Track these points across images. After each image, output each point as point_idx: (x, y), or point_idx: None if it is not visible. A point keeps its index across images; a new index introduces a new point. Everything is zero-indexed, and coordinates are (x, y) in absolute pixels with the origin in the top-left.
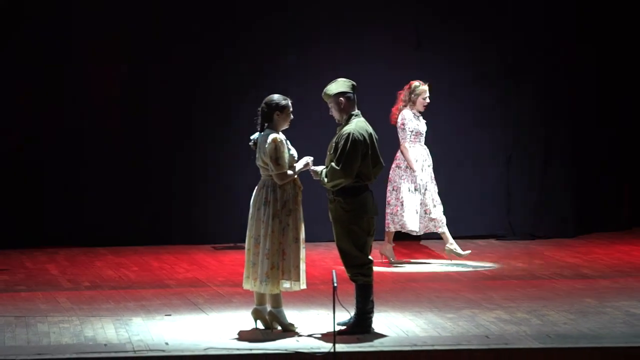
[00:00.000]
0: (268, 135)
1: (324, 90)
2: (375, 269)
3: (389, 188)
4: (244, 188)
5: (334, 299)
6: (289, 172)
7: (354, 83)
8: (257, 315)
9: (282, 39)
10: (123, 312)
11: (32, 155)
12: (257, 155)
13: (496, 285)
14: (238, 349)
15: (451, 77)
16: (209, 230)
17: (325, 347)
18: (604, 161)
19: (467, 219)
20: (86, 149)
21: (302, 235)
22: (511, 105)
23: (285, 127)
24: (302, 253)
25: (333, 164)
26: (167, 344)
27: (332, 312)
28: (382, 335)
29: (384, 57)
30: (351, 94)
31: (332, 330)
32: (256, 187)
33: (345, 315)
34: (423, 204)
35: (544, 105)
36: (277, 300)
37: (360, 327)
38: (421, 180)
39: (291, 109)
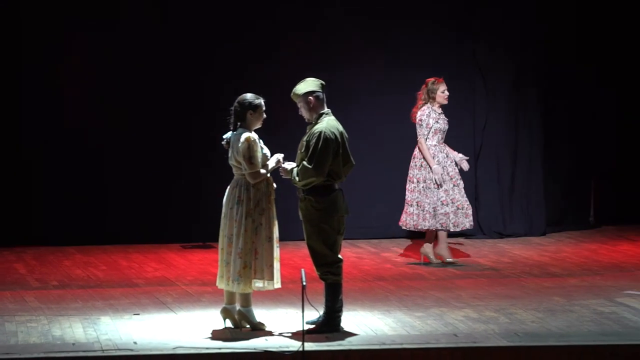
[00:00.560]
0: (241, 134)
1: (293, 90)
2: (346, 267)
3: (417, 187)
4: (213, 187)
5: (302, 298)
6: (262, 170)
7: (323, 82)
8: (226, 314)
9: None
10: (91, 311)
11: None
12: (230, 155)
13: (465, 284)
14: (207, 348)
15: (418, 73)
16: (178, 229)
17: (294, 346)
18: (572, 161)
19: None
20: (54, 148)
21: (276, 234)
22: (480, 104)
23: (258, 126)
24: (276, 252)
25: (305, 162)
26: (135, 343)
27: (301, 311)
28: (351, 334)
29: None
30: (320, 93)
31: (301, 329)
32: (229, 186)
33: (314, 314)
34: (455, 199)
35: (513, 105)
36: (246, 300)
37: (329, 325)
38: (446, 175)
39: (264, 108)
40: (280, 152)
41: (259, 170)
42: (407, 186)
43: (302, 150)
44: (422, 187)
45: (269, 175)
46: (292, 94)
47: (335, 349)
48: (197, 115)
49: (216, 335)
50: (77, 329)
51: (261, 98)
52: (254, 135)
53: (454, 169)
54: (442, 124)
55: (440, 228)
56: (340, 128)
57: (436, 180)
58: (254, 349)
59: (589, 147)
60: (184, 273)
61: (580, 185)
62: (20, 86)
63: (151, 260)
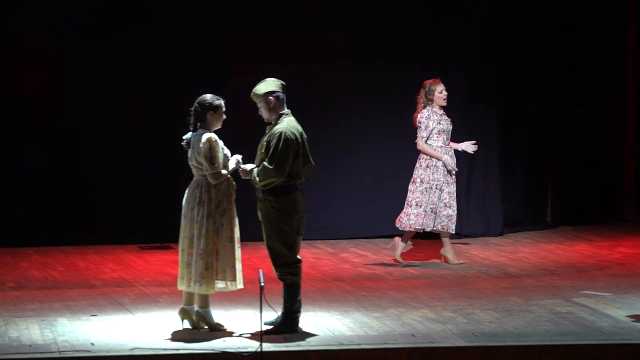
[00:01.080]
0: (202, 134)
1: (253, 90)
2: (305, 268)
3: (420, 188)
4: (171, 187)
5: (260, 299)
6: (224, 171)
7: (283, 82)
8: (184, 315)
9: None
10: (48, 312)
11: None
12: (190, 155)
13: (422, 284)
14: (164, 349)
15: (383, 75)
16: (135, 230)
17: (252, 346)
18: (529, 161)
19: (393, 217)
20: (9, 148)
21: (237, 234)
22: None
23: (218, 127)
24: (238, 252)
25: (265, 163)
26: (92, 344)
27: (259, 311)
28: (309, 335)
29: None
30: (280, 93)
31: (259, 329)
32: (189, 187)
33: (272, 314)
34: (455, 202)
35: (469, 105)
36: (204, 300)
37: (287, 326)
38: (448, 177)
39: (224, 109)
40: (240, 153)
41: (220, 171)
42: (409, 186)
43: (262, 151)
44: (425, 187)
45: (229, 175)
46: (252, 94)
47: (293, 349)
48: (155, 116)
49: (174, 336)
50: (34, 331)
51: (221, 99)
52: (215, 136)
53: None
54: (445, 124)
55: (441, 230)
56: (300, 129)
57: (449, 166)
58: (212, 349)
59: (546, 147)
60: (142, 274)
61: (538, 186)
62: None
63: (109, 261)
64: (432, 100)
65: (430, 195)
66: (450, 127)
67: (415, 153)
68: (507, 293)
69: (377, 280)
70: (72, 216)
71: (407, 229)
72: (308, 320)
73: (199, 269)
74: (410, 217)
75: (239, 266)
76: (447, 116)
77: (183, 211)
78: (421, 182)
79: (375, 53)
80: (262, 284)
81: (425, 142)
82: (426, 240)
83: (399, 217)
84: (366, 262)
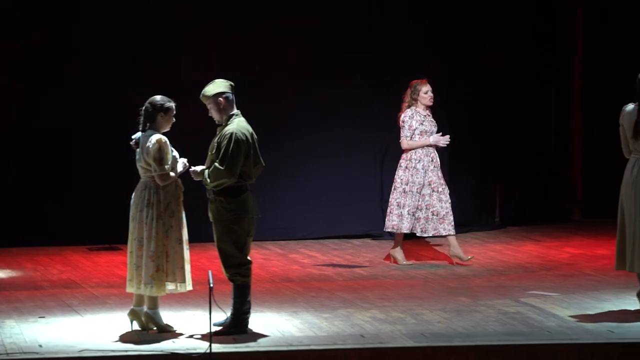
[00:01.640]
0: (151, 135)
1: (202, 92)
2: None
3: (399, 189)
4: (120, 188)
5: (210, 300)
6: (172, 173)
7: (232, 83)
8: (133, 316)
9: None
10: None
11: None
12: (138, 156)
13: (371, 284)
14: (113, 351)
15: (326, 73)
16: (84, 231)
17: (202, 347)
18: (477, 163)
19: (342, 218)
20: None
21: (185, 236)
22: (384, 105)
23: (167, 129)
24: (186, 254)
25: (216, 163)
26: (40, 346)
27: (208, 312)
28: (258, 336)
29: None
30: (230, 94)
31: (208, 330)
32: (136, 189)
33: (222, 315)
34: (430, 205)
35: None
36: (153, 302)
37: (236, 327)
38: (426, 179)
39: (174, 112)
40: (193, 154)
41: (169, 173)
42: (392, 189)
43: (213, 152)
44: (404, 189)
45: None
46: (201, 95)
47: (242, 350)
48: (103, 116)
49: (123, 337)
50: None
51: (172, 101)
52: (164, 138)
53: (437, 174)
54: (429, 125)
55: (418, 232)
56: (251, 129)
57: (442, 142)
58: (161, 351)
59: (493, 148)
60: (90, 275)
61: (486, 187)
62: None
63: (57, 263)
64: (416, 100)
65: (410, 197)
66: (435, 129)
67: (365, 155)
68: (456, 293)
69: (327, 281)
70: (20, 217)
71: (390, 231)
72: (257, 321)
73: (149, 271)
74: (393, 219)
75: (187, 268)
76: (433, 117)
77: (131, 213)
78: (401, 182)
79: (328, 54)
80: (212, 285)
81: (408, 140)
82: (431, 240)
83: (385, 222)
84: (315, 263)
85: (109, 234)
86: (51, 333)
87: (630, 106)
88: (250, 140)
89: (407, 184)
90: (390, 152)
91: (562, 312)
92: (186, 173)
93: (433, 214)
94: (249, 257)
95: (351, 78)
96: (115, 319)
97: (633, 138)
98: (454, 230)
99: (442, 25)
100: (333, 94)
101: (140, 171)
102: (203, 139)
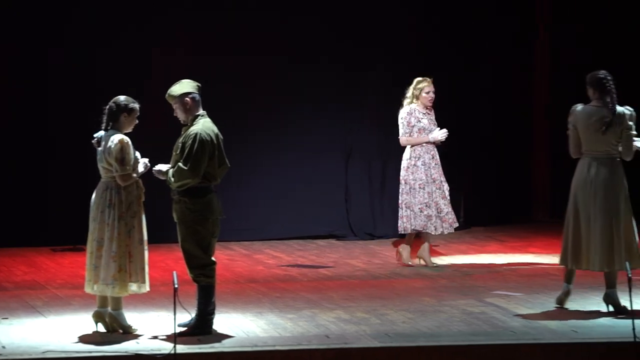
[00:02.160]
0: (113, 135)
1: (168, 91)
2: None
3: (405, 189)
4: (82, 188)
5: (174, 300)
6: (134, 174)
7: (199, 84)
8: (98, 317)
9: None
10: None
11: None
12: (100, 156)
13: (336, 285)
14: (77, 352)
15: (303, 76)
16: (47, 232)
17: (166, 348)
18: (441, 163)
19: (307, 219)
20: None
21: (145, 237)
22: (349, 106)
23: (130, 130)
24: (146, 255)
25: (180, 164)
26: (4, 347)
27: (172, 313)
28: (223, 336)
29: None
30: (196, 95)
31: (172, 331)
32: (97, 189)
33: (186, 316)
34: (436, 203)
35: (382, 106)
36: (117, 303)
37: (201, 328)
38: (429, 177)
39: (138, 114)
40: (157, 154)
41: (131, 173)
42: (399, 191)
43: (177, 152)
44: (408, 188)
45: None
46: (167, 95)
47: (207, 351)
48: (65, 115)
49: (87, 338)
50: None
51: (137, 103)
52: (126, 138)
53: (438, 171)
54: (427, 123)
55: (432, 231)
56: (216, 130)
57: (439, 138)
58: (125, 352)
59: (457, 148)
60: (54, 276)
61: (450, 187)
62: None
63: (20, 264)
64: (417, 97)
65: (416, 195)
66: (433, 127)
67: (330, 155)
68: (420, 294)
69: (291, 282)
70: None
71: (403, 232)
72: (222, 321)
73: (111, 272)
74: (403, 220)
75: (146, 268)
76: (435, 117)
77: (92, 214)
78: (405, 183)
79: (298, 51)
80: (176, 286)
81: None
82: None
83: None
84: (280, 263)
85: (73, 234)
86: (14, 334)
87: (580, 106)
88: (215, 141)
89: (410, 183)
90: (356, 149)
91: (526, 312)
92: (148, 173)
93: (438, 212)
94: (213, 258)
95: (316, 80)
96: (79, 320)
97: (594, 136)
98: (452, 229)
99: (411, 32)
100: (298, 95)
101: (102, 171)
102: (169, 139)
